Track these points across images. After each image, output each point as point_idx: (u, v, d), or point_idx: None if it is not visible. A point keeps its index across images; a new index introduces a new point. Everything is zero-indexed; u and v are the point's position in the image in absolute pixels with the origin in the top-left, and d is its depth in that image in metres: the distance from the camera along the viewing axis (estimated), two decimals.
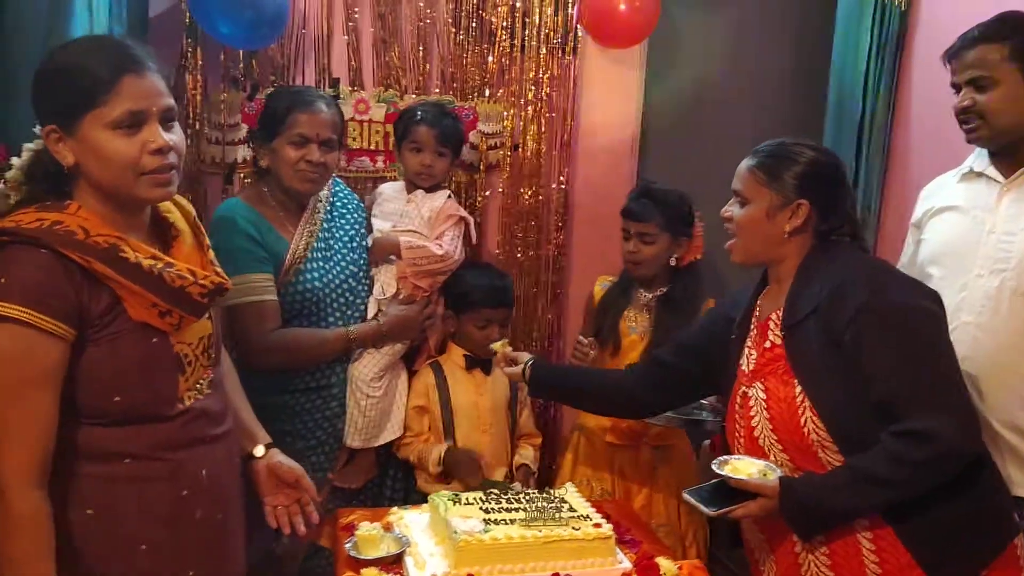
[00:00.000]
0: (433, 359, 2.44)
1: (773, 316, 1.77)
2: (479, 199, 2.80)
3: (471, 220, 2.47)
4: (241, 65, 2.58)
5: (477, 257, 2.80)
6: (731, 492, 1.68)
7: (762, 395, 1.74)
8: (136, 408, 1.44)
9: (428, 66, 2.70)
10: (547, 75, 2.76)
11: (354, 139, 2.66)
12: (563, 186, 2.84)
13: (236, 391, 1.79)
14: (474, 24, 2.70)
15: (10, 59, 1.62)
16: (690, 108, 3.00)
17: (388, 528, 1.89)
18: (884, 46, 2.78)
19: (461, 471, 2.31)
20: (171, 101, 1.43)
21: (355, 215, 2.34)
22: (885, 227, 2.93)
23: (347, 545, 1.82)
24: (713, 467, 1.71)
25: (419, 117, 2.37)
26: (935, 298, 1.68)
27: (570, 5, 2.73)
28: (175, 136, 1.42)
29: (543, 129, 2.79)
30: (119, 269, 1.38)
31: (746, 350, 1.84)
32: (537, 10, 2.71)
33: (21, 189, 1.43)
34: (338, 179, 2.41)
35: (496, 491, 1.96)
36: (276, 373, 2.16)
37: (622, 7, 2.63)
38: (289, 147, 2.11)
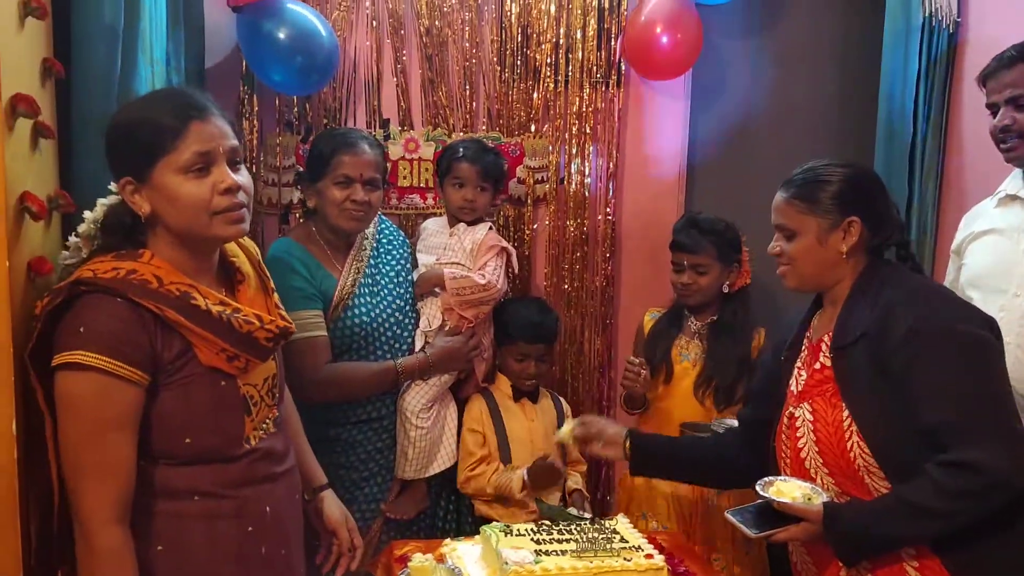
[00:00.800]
0: (484, 388, 2.47)
1: (825, 338, 1.75)
2: (527, 232, 2.83)
3: (512, 251, 2.50)
4: (295, 110, 2.67)
5: (526, 289, 2.82)
6: (776, 514, 1.66)
7: (809, 416, 1.73)
8: (205, 449, 1.49)
9: (475, 104, 2.76)
10: (591, 109, 2.80)
11: (404, 177, 2.73)
12: (610, 218, 2.86)
13: (298, 433, 1.85)
14: (519, 62, 2.75)
15: (78, 114, 1.70)
16: (737, 137, 3.00)
17: (441, 559, 1.90)
18: (933, 68, 2.75)
19: (547, 483, 2.34)
20: (236, 142, 1.49)
21: (401, 251, 2.40)
22: (941, 250, 2.87)
23: None
24: (757, 488, 1.70)
25: (461, 153, 2.42)
26: (990, 324, 1.64)
27: (613, 39, 2.77)
28: (243, 177, 1.48)
29: (588, 162, 2.82)
30: (190, 316, 1.43)
31: (795, 371, 1.83)
32: (580, 46, 2.76)
33: (93, 242, 1.51)
34: (383, 216, 2.46)
35: (548, 522, 1.96)
36: (327, 407, 2.21)
37: (664, 40, 2.66)
38: (335, 188, 2.18)
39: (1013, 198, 1.95)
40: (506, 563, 1.73)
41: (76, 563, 1.43)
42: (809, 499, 1.65)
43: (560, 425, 2.49)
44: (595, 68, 2.78)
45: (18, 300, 1.43)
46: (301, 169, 2.64)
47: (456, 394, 2.45)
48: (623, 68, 2.81)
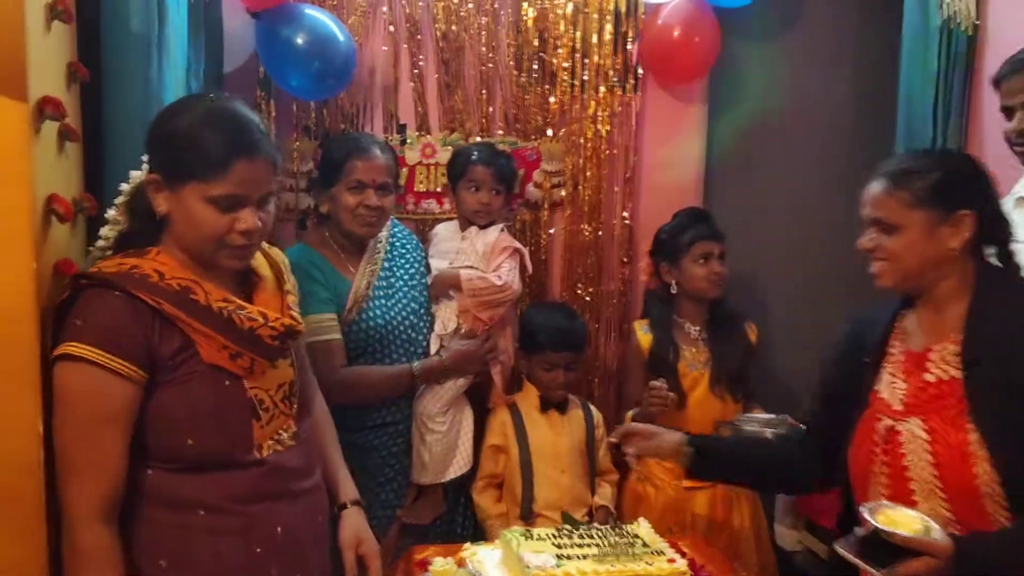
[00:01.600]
0: (510, 398, 2.45)
1: (937, 348, 1.61)
2: (544, 237, 2.83)
3: (525, 251, 2.50)
4: (312, 115, 2.68)
5: (542, 293, 2.82)
6: (884, 544, 1.47)
7: (923, 435, 1.57)
8: (210, 453, 1.44)
9: (491, 109, 2.76)
10: (607, 113, 2.79)
11: (421, 182, 2.73)
12: (626, 222, 2.85)
13: (331, 444, 1.80)
14: (535, 66, 2.75)
15: (110, 118, 1.71)
16: (755, 141, 2.99)
17: (461, 564, 1.90)
18: (951, 70, 2.73)
19: None
20: (273, 185, 1.47)
21: (415, 254, 2.40)
22: None
23: None
24: (863, 513, 1.51)
25: (475, 157, 2.43)
26: None
27: (630, 43, 2.77)
28: (264, 214, 1.46)
29: (604, 166, 2.82)
30: (188, 311, 1.42)
31: (887, 377, 1.69)
32: (597, 50, 2.76)
33: (120, 221, 1.51)
34: (396, 220, 2.47)
35: (569, 526, 1.95)
36: (342, 412, 2.20)
37: (681, 43, 2.66)
38: (348, 193, 2.19)
39: None
40: (527, 567, 1.72)
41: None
42: (927, 531, 1.46)
43: (590, 435, 2.48)
44: (612, 72, 2.78)
45: (44, 301, 1.43)
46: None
47: (482, 403, 2.44)
48: (640, 72, 2.80)
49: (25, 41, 1.36)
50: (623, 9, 2.75)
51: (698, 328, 2.52)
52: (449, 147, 2.71)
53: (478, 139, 2.72)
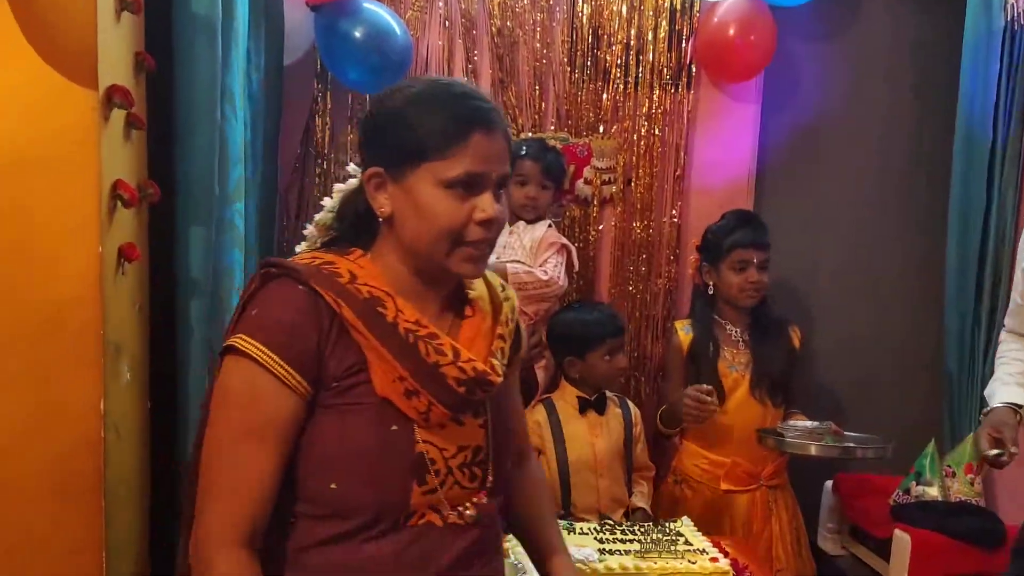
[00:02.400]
0: (546, 396, 2.45)
1: None
2: (592, 233, 2.83)
3: (572, 248, 2.51)
4: (367, 108, 2.72)
5: (590, 290, 2.82)
6: None
7: None
8: (352, 505, 1.17)
9: (544, 104, 2.77)
10: (660, 111, 2.78)
11: None
12: (675, 220, 2.84)
13: (548, 512, 1.53)
14: (589, 63, 2.75)
15: (176, 103, 1.77)
16: (809, 142, 2.95)
17: (504, 555, 1.91)
18: (1014, 73, 2.67)
19: None
20: (509, 167, 1.25)
21: None
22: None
23: None
24: None
25: (524, 151, 2.44)
26: None
27: (684, 41, 2.76)
28: (502, 206, 1.23)
29: (655, 164, 2.81)
30: (370, 324, 1.16)
31: None
32: (651, 47, 2.75)
33: (329, 232, 1.30)
34: None
35: (612, 521, 1.96)
36: None
37: (737, 42, 2.64)
38: None
39: None
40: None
41: None
42: None
43: (628, 432, 2.46)
44: (665, 70, 2.77)
45: (109, 284, 1.48)
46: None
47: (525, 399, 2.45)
48: (693, 70, 2.79)
49: (96, 32, 1.41)
50: (678, 6, 2.74)
51: (739, 329, 2.50)
52: None
53: (529, 134, 2.73)
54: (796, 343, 2.57)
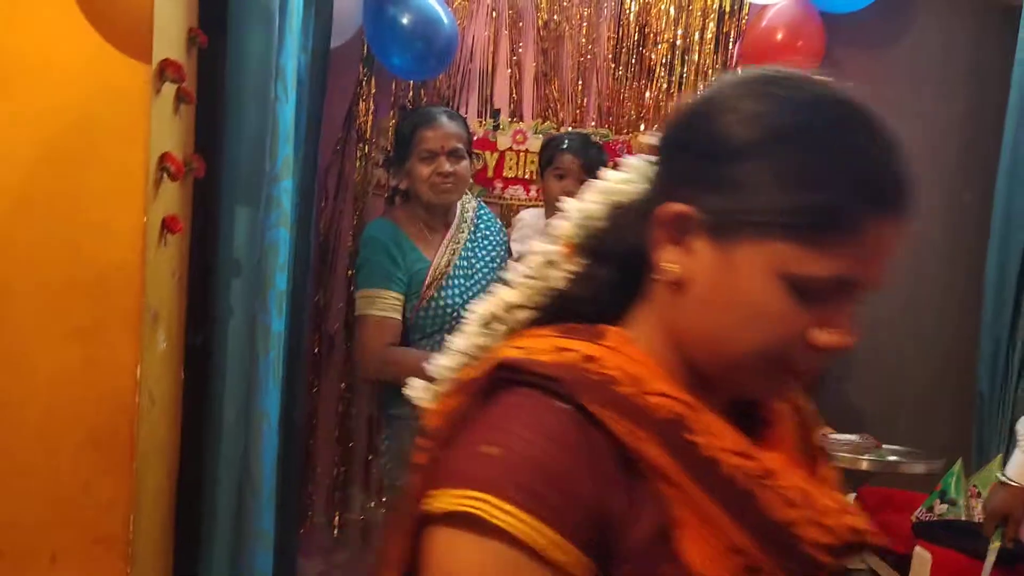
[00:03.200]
0: None
1: None
2: None
3: None
4: (410, 94, 2.74)
5: None
6: None
7: None
8: None
9: (586, 100, 2.77)
10: None
11: (510, 168, 2.76)
12: None
13: None
14: (633, 60, 2.75)
15: (228, 80, 1.80)
16: None
17: None
18: None
19: None
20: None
21: (497, 237, 2.43)
22: None
23: None
24: None
25: (565, 145, 2.44)
26: None
27: (731, 43, 2.74)
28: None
29: None
30: (685, 463, 0.69)
31: None
32: (697, 48, 2.74)
33: (549, 279, 0.81)
34: (483, 203, 2.50)
35: None
36: (388, 386, 2.26)
37: (784, 46, 2.62)
38: (420, 164, 2.22)
39: None
40: None
41: None
42: None
43: None
44: (711, 71, 2.76)
45: (151, 252, 1.51)
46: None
47: None
48: (739, 73, 2.77)
49: (152, 7, 1.44)
50: (727, 8, 2.72)
51: None
52: (540, 135, 2.73)
53: (569, 129, 2.73)
54: None
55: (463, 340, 0.84)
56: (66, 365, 1.47)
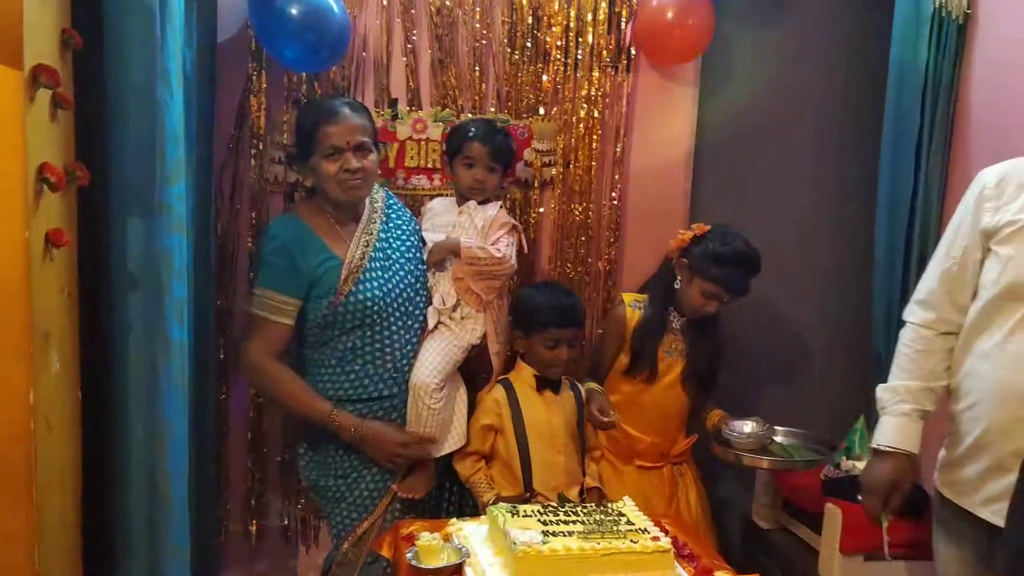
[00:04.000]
0: (503, 377, 2.46)
1: None
2: (533, 215, 2.83)
3: (522, 230, 2.52)
4: (304, 87, 2.66)
5: (531, 272, 2.83)
6: None
7: None
8: None
9: (484, 86, 2.75)
10: (600, 93, 2.79)
11: (411, 158, 2.72)
12: (615, 203, 2.86)
13: None
14: (529, 44, 2.74)
15: (109, 82, 1.71)
16: (745, 124, 3.00)
17: (447, 539, 1.92)
18: (941, 60, 2.75)
19: None
20: None
21: (409, 226, 2.40)
22: None
23: (408, 555, 1.85)
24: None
25: (472, 133, 2.42)
26: None
27: (624, 23, 2.76)
28: None
29: (595, 146, 2.82)
30: None
31: None
32: (591, 29, 2.75)
33: None
34: (390, 192, 2.47)
35: (554, 504, 1.98)
36: (338, 383, 2.22)
37: (675, 25, 2.66)
38: (325, 161, 2.17)
39: None
40: (514, 543, 1.74)
41: None
42: None
43: (580, 413, 2.50)
44: (605, 52, 2.77)
45: (36, 270, 1.43)
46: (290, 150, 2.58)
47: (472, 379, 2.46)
48: (632, 53, 2.80)
49: (22, 8, 1.35)
50: None
51: (683, 319, 2.57)
52: (440, 123, 2.70)
53: (469, 116, 2.71)
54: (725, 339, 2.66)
55: None
56: None
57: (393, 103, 2.71)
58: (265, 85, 2.63)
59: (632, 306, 2.58)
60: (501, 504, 1.97)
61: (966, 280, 1.90)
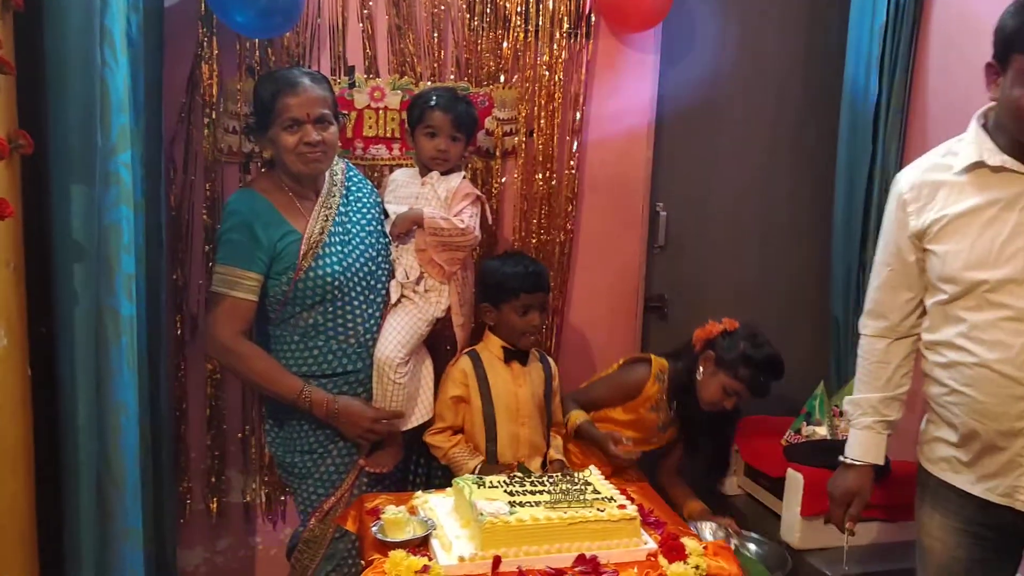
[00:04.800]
0: (471, 348, 2.44)
1: None
2: (495, 185, 2.80)
3: (486, 200, 2.49)
4: (257, 54, 2.58)
5: (494, 242, 2.80)
6: None
7: None
8: None
9: (443, 53, 2.69)
10: (560, 60, 2.76)
11: (370, 127, 2.66)
12: (574, 172, 2.83)
13: None
14: (488, 10, 2.69)
15: (49, 46, 1.63)
16: (705, 92, 2.99)
17: (413, 512, 1.91)
18: (899, 27, 2.77)
19: None
20: None
21: (370, 199, 2.36)
22: None
23: (373, 529, 1.83)
24: None
25: (434, 102, 2.37)
26: None
27: None
28: None
29: (557, 115, 2.79)
30: None
31: None
32: None
33: None
34: (351, 164, 2.42)
35: (520, 474, 1.97)
36: (301, 358, 2.19)
37: None
38: (285, 133, 2.12)
39: (998, 169, 1.72)
40: (481, 514, 1.74)
41: None
42: None
43: (548, 386, 2.48)
44: (565, 19, 2.73)
45: None
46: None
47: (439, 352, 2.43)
48: (593, 19, 2.77)
49: None
50: None
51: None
52: (399, 91, 2.65)
53: (428, 84, 2.66)
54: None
55: None
56: None
57: (350, 71, 2.65)
58: (217, 52, 2.54)
59: (658, 378, 2.51)
60: (467, 476, 1.96)
61: (908, 283, 1.92)
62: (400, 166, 2.62)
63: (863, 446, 2.03)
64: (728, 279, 3.14)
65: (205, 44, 2.53)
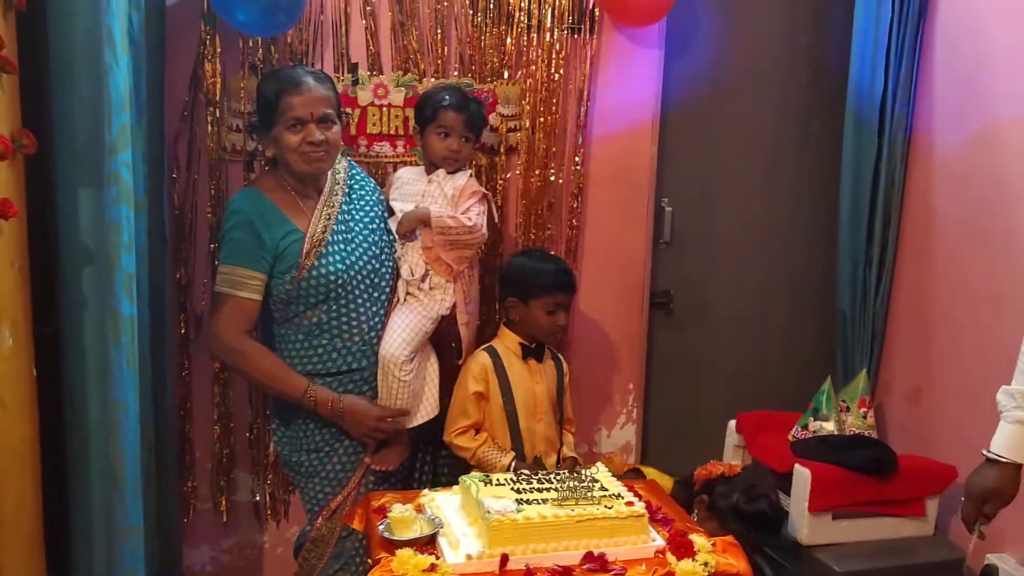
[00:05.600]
0: (488, 344, 2.44)
1: None
2: (500, 181, 2.79)
3: (492, 198, 2.48)
4: (260, 52, 2.58)
5: (498, 239, 2.79)
6: None
7: None
8: None
9: (446, 49, 2.68)
10: (564, 56, 2.74)
11: (374, 124, 2.65)
12: (578, 167, 2.82)
13: None
14: (491, 6, 2.68)
15: (53, 45, 1.63)
16: (710, 87, 2.98)
17: (420, 510, 1.90)
18: (905, 21, 2.76)
19: None
20: None
21: (373, 197, 2.35)
22: (908, 207, 2.91)
23: (380, 527, 1.83)
24: None
25: (447, 102, 2.35)
26: None
27: None
28: None
29: (559, 111, 2.78)
30: None
31: None
32: None
33: None
34: (353, 162, 2.41)
35: (527, 472, 1.97)
36: (306, 356, 2.19)
37: None
38: (288, 132, 2.11)
39: None
40: (488, 512, 1.73)
41: None
42: None
43: (560, 383, 2.49)
44: (567, 14, 2.72)
45: None
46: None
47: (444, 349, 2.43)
48: (597, 14, 2.75)
49: None
50: None
51: None
52: (403, 88, 2.64)
53: (432, 80, 2.65)
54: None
55: None
56: None
57: (353, 68, 2.64)
58: (219, 50, 2.54)
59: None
60: (474, 474, 1.96)
61: None
62: (404, 163, 2.61)
63: (1011, 441, 1.82)
64: (734, 274, 3.13)
65: (207, 42, 2.52)
